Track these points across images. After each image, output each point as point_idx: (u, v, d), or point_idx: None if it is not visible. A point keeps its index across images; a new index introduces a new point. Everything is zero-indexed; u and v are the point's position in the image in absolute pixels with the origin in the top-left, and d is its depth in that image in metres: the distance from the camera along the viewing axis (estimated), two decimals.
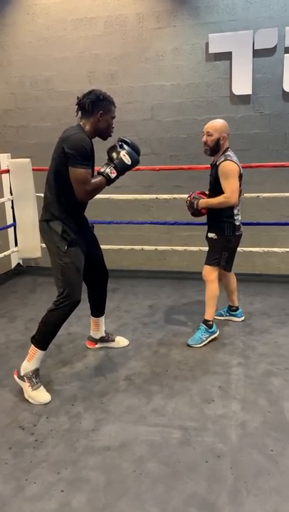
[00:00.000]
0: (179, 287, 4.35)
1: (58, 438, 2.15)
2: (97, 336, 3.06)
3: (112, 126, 2.53)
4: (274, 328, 3.33)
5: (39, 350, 2.48)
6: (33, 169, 4.38)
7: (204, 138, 3.01)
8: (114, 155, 2.47)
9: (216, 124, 2.99)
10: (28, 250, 4.58)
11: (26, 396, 2.47)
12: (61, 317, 2.47)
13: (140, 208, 4.70)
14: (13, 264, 4.99)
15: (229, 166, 2.93)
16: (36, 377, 2.49)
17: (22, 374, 2.49)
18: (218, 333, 3.17)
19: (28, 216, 4.42)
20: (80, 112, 2.48)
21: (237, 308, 3.50)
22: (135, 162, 2.52)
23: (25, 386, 2.47)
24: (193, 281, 4.40)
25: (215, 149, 3.00)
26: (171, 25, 4.38)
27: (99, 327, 3.04)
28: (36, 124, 4.87)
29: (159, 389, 2.55)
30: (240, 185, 3.04)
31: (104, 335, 3.07)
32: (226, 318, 3.51)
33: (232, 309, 3.50)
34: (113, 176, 2.45)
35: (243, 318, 3.49)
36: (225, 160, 2.95)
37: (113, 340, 3.10)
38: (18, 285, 4.59)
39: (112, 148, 2.49)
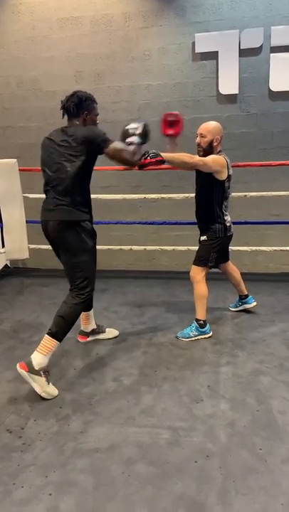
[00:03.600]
0: (167, 287, 4.35)
1: (46, 441, 2.13)
2: (88, 330, 3.15)
3: (97, 123, 2.68)
4: (262, 327, 3.34)
5: (57, 342, 2.52)
6: (19, 169, 4.34)
7: (198, 139, 3.05)
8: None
9: (209, 126, 3.03)
10: (15, 251, 4.54)
11: (40, 391, 2.44)
12: (81, 310, 2.67)
13: (128, 208, 4.69)
14: (1, 266, 4.94)
15: (218, 157, 2.99)
16: (49, 371, 2.53)
17: (37, 368, 2.44)
18: (210, 334, 3.19)
19: (15, 217, 4.39)
20: (66, 116, 2.62)
21: (246, 296, 3.58)
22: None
23: (42, 381, 2.44)
24: (182, 281, 4.39)
25: (208, 151, 3.03)
26: (158, 24, 4.37)
27: (89, 321, 3.13)
28: (23, 124, 4.83)
29: (147, 390, 2.54)
30: (228, 187, 3.06)
31: (95, 327, 3.16)
32: (240, 308, 3.62)
33: (242, 298, 3.59)
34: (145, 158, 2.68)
35: (255, 303, 3.59)
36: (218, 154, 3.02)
37: (104, 332, 3.20)
38: (6, 287, 4.55)
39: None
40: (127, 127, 2.64)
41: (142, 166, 2.79)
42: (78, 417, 2.31)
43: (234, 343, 3.10)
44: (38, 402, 2.45)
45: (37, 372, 2.44)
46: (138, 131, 2.61)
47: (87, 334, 3.15)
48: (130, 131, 2.62)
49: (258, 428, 2.18)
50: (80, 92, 2.61)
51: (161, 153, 2.79)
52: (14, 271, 5.03)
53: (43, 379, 2.45)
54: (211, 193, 3.06)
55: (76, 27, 4.53)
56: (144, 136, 2.63)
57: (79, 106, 2.56)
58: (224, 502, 1.74)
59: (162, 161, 2.79)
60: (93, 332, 3.16)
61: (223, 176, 3.00)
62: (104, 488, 1.83)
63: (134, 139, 2.59)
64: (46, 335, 2.53)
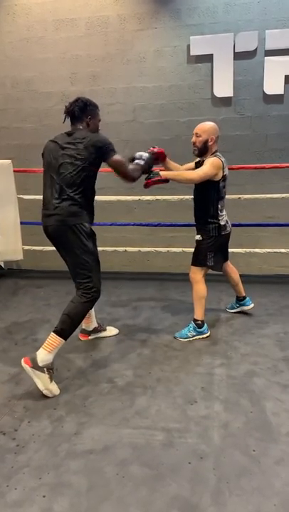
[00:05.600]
0: (162, 288, 4.36)
1: (40, 442, 2.13)
2: (90, 328, 3.22)
3: (99, 129, 2.77)
4: (256, 329, 3.35)
5: (62, 340, 2.55)
6: (14, 171, 4.34)
7: (193, 139, 3.11)
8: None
9: (205, 126, 3.09)
10: (9, 253, 4.52)
11: (42, 388, 2.46)
12: (88, 309, 2.70)
13: (123, 209, 4.69)
14: None
15: (215, 160, 3.01)
16: (53, 369, 2.53)
17: (41, 365, 2.46)
18: (208, 334, 3.22)
19: (10, 218, 4.37)
20: (69, 119, 2.68)
21: (244, 298, 3.61)
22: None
23: (45, 378, 2.46)
24: (176, 283, 4.41)
25: (203, 150, 3.08)
26: (153, 27, 4.39)
27: (91, 319, 3.19)
28: (18, 125, 4.82)
29: (142, 391, 2.54)
30: (224, 187, 3.09)
31: (96, 325, 3.23)
32: (237, 309, 3.65)
33: (240, 299, 3.62)
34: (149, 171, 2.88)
35: (252, 305, 3.62)
36: (214, 156, 3.04)
37: (105, 330, 3.28)
38: (0, 288, 4.53)
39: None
40: (134, 155, 2.85)
41: (145, 186, 2.97)
42: (72, 418, 2.31)
43: (228, 344, 3.11)
44: (32, 404, 2.44)
45: (40, 369, 2.45)
46: (143, 157, 2.82)
47: (88, 333, 3.21)
48: (137, 156, 2.83)
49: (251, 429, 2.19)
50: (84, 97, 2.70)
51: (164, 173, 2.96)
52: (8, 272, 5.01)
53: (46, 376, 2.46)
54: (206, 192, 3.10)
55: (71, 28, 4.53)
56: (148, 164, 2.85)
57: (83, 110, 2.64)
58: (218, 503, 1.75)
59: (163, 180, 2.96)
60: (95, 330, 3.23)
61: (219, 177, 3.03)
62: (98, 489, 1.83)
63: (141, 161, 2.79)
64: (52, 332, 2.56)
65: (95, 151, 2.55)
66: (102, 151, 2.56)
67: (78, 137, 2.59)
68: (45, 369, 2.46)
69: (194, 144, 3.10)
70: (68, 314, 2.58)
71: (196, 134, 3.08)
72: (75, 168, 2.55)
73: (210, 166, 2.97)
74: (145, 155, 2.84)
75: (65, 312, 2.59)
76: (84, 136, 2.60)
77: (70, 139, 2.61)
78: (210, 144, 3.06)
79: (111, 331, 3.31)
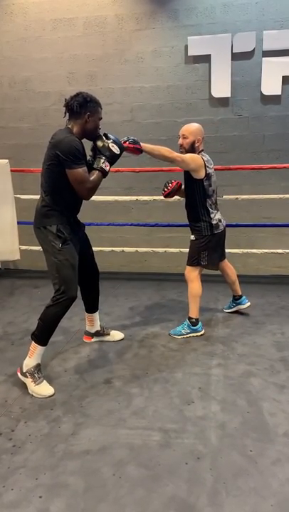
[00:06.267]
0: (159, 289, 4.36)
1: (37, 443, 2.12)
2: (93, 331, 3.18)
3: (98, 127, 2.61)
4: (253, 329, 3.35)
5: (39, 346, 2.57)
6: (11, 170, 4.33)
7: (180, 141, 3.11)
8: (104, 147, 2.56)
9: (191, 128, 3.09)
10: (6, 253, 4.51)
11: (30, 391, 2.53)
12: (58, 313, 2.55)
13: (120, 209, 4.69)
14: None
15: (196, 155, 3.02)
16: (38, 372, 2.57)
17: (24, 370, 2.57)
18: (202, 332, 3.25)
19: (7, 218, 4.36)
20: (67, 114, 2.55)
21: (240, 296, 3.61)
22: (122, 150, 2.64)
23: (28, 381, 2.55)
24: (173, 283, 4.41)
25: (190, 151, 3.07)
26: (151, 27, 4.39)
27: (93, 322, 3.16)
28: (15, 124, 4.81)
29: (139, 391, 2.54)
30: (210, 185, 3.09)
31: (99, 329, 3.19)
32: (234, 309, 3.66)
33: (236, 298, 3.62)
34: (107, 168, 2.56)
35: (248, 304, 3.62)
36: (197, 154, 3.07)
37: (108, 334, 3.22)
38: None
39: (100, 141, 2.57)
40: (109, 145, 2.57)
41: (130, 149, 2.82)
42: (69, 418, 2.30)
43: (225, 344, 3.11)
44: (29, 404, 2.44)
45: (24, 374, 2.57)
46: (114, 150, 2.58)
47: (91, 335, 3.19)
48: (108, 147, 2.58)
49: (248, 430, 2.19)
50: (86, 93, 2.55)
51: (141, 143, 2.86)
52: (5, 272, 5.00)
53: (29, 379, 2.54)
54: (192, 192, 3.12)
55: (69, 28, 4.53)
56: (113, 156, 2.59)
57: (82, 105, 2.49)
58: (215, 503, 1.75)
59: (139, 150, 2.85)
60: (97, 334, 3.19)
61: (201, 175, 3.03)
62: (95, 490, 1.83)
63: (107, 164, 2.55)
64: (31, 337, 2.60)
65: (56, 155, 2.41)
66: (60, 159, 2.40)
67: (53, 136, 2.50)
68: (27, 374, 2.55)
69: (181, 145, 3.09)
70: (40, 319, 2.58)
71: (183, 135, 3.08)
72: (45, 169, 2.52)
73: (189, 156, 2.99)
74: (117, 143, 2.60)
75: (39, 317, 2.59)
76: (55, 134, 2.50)
77: (52, 138, 2.51)
78: (197, 145, 3.07)
79: (115, 335, 3.22)
